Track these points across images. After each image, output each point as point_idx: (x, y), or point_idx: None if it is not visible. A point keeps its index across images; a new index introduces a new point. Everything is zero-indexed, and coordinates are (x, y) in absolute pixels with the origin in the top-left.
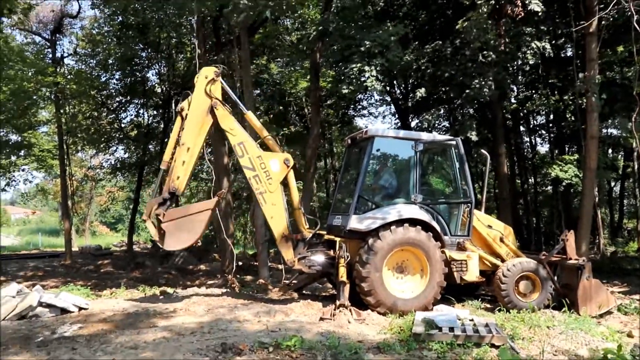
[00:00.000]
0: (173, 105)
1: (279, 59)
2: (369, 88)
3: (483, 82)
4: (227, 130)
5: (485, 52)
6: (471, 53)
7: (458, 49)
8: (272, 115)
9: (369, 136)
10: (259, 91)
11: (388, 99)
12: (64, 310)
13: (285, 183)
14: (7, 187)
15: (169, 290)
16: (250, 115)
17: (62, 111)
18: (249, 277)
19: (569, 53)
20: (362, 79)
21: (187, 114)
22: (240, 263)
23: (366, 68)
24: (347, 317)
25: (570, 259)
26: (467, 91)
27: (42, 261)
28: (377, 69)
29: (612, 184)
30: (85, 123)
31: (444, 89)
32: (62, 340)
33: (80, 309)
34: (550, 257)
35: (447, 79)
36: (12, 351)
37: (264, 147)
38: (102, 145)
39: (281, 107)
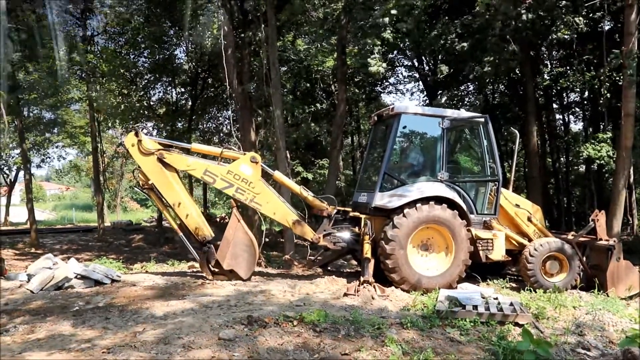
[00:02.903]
0: (200, 82)
1: (305, 35)
2: (371, 68)
3: (497, 60)
4: (186, 170)
5: (507, 29)
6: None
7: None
8: (298, 93)
9: (395, 113)
10: (285, 68)
11: (416, 75)
12: (97, 282)
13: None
14: (42, 164)
15: (197, 264)
16: (196, 146)
17: (92, 89)
18: (274, 253)
19: (607, 27)
20: (370, 58)
21: (151, 182)
22: (266, 239)
23: (377, 42)
24: (371, 293)
25: (600, 239)
26: (482, 68)
27: (77, 235)
28: (389, 41)
29: None
30: (115, 101)
31: (473, 65)
32: (96, 310)
33: (113, 281)
34: (579, 237)
35: (462, 55)
36: (50, 319)
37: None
38: (131, 123)
39: (308, 85)
